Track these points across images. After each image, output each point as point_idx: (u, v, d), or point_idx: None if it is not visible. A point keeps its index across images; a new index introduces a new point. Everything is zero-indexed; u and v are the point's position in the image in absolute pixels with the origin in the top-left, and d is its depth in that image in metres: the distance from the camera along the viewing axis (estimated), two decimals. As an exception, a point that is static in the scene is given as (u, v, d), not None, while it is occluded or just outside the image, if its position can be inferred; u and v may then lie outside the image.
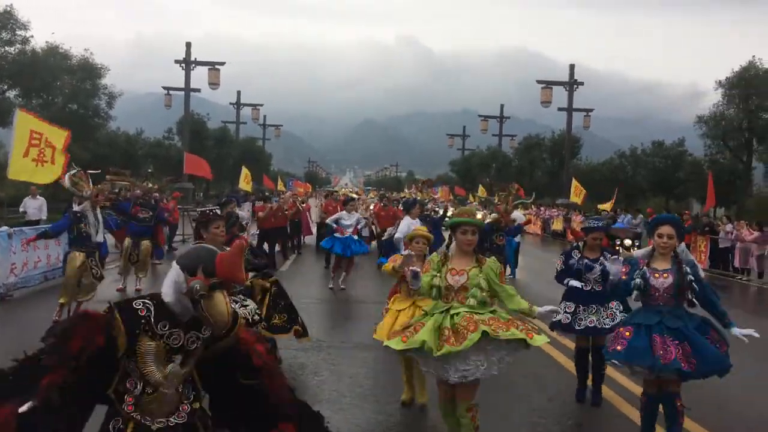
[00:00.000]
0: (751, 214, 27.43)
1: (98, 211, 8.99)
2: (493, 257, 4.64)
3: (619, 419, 5.63)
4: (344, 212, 12.57)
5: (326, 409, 5.47)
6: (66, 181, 8.99)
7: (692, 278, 4.55)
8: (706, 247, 18.46)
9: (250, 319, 5.01)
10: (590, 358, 5.98)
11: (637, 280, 4.63)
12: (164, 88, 38.82)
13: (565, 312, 5.87)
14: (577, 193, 24.33)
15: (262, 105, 51.44)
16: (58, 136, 10.14)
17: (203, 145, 42.73)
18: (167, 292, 2.69)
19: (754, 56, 37.45)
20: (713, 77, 39.39)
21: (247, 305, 5.10)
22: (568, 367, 7.06)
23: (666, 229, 4.66)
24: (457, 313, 4.20)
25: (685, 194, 38.67)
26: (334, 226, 12.18)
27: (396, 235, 10.02)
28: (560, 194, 37.87)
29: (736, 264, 17.57)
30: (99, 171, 9.76)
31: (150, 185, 13.25)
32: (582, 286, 5.86)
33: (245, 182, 28.67)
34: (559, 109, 38.46)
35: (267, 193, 30.00)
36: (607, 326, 5.56)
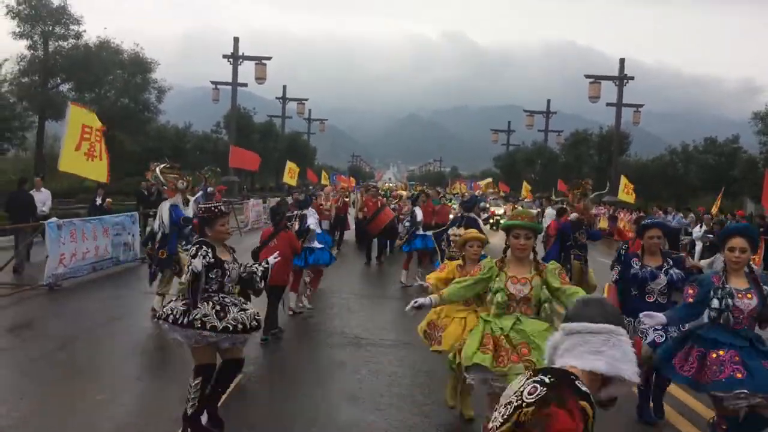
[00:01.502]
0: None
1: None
2: (553, 261, 4.46)
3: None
4: (418, 209, 12.50)
5: (364, 409, 5.47)
6: (158, 174, 8.88)
7: None
8: (761, 249, 17.81)
9: (248, 325, 4.70)
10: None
11: (725, 301, 3.99)
12: (212, 82, 39.48)
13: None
14: (626, 191, 23.70)
15: (307, 99, 51.68)
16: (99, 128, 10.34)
17: (249, 139, 43.28)
18: (632, 369, 1.96)
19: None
20: (770, 72, 37.73)
21: (247, 309, 4.79)
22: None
23: (738, 242, 4.10)
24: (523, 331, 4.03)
25: (739, 192, 37.38)
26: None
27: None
28: (607, 191, 37.02)
29: (793, 266, 16.88)
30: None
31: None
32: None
33: (289, 176, 28.90)
34: (608, 105, 37.61)
35: (311, 187, 30.12)
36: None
